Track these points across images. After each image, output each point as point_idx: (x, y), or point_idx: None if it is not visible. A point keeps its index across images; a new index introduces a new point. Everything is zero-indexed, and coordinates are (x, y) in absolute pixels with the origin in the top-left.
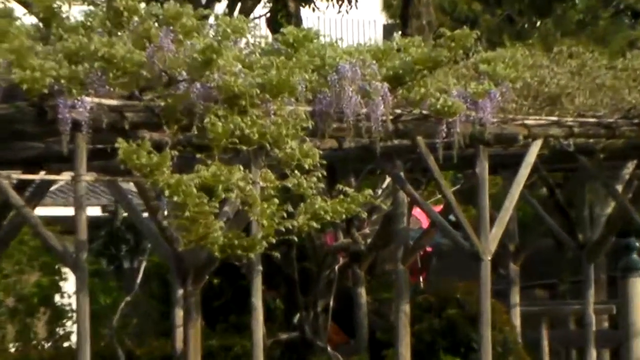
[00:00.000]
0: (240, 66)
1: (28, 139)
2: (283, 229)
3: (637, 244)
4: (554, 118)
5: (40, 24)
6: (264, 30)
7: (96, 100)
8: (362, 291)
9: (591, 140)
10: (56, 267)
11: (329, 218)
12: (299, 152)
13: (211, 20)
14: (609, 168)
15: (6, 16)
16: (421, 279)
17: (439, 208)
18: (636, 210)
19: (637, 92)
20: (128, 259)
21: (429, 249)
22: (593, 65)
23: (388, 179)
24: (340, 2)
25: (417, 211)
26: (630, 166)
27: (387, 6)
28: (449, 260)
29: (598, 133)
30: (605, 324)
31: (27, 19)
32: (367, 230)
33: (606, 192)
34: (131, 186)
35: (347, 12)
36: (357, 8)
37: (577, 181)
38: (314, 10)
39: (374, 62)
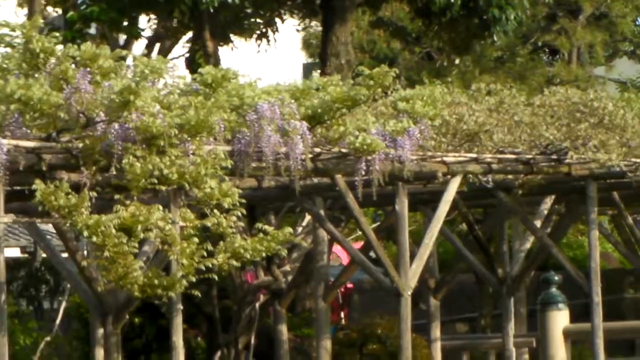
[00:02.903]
0: (158, 107)
1: None
2: (203, 268)
3: (556, 278)
4: (473, 155)
5: None
6: (182, 70)
7: (13, 142)
8: (283, 328)
9: (510, 177)
10: None
11: (248, 256)
12: (218, 191)
13: (129, 61)
14: (527, 203)
15: None
16: (343, 315)
17: (359, 245)
18: (555, 244)
19: (555, 128)
20: (48, 299)
21: (350, 285)
22: (511, 102)
23: (308, 217)
24: (259, 42)
25: (337, 248)
26: (549, 201)
27: (306, 45)
28: (370, 296)
29: (516, 169)
30: (526, 357)
31: None
32: (287, 268)
33: (525, 228)
34: (50, 227)
35: (265, 51)
36: (275, 47)
37: (496, 217)
38: (232, 49)
39: (293, 101)
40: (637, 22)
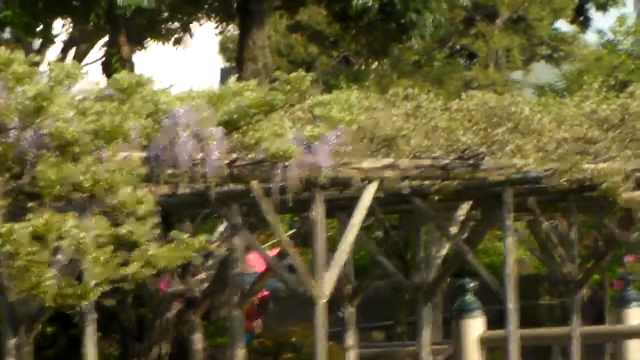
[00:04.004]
0: (73, 112)
1: None
2: (117, 276)
3: (472, 285)
4: (389, 160)
5: None
6: (99, 75)
7: None
8: (198, 337)
9: (426, 182)
10: None
11: (163, 264)
12: (132, 198)
13: (44, 66)
14: (443, 209)
15: None
16: (258, 323)
17: (275, 252)
18: (471, 251)
19: (472, 133)
20: None
21: (266, 292)
22: (428, 107)
23: (224, 224)
24: (175, 46)
25: (253, 255)
26: (465, 207)
27: (223, 49)
28: (286, 304)
29: (433, 174)
30: None
31: None
32: (202, 276)
33: (441, 234)
34: None
35: (182, 55)
36: (192, 52)
37: (412, 223)
38: (147, 54)
39: (209, 106)
40: (554, 26)
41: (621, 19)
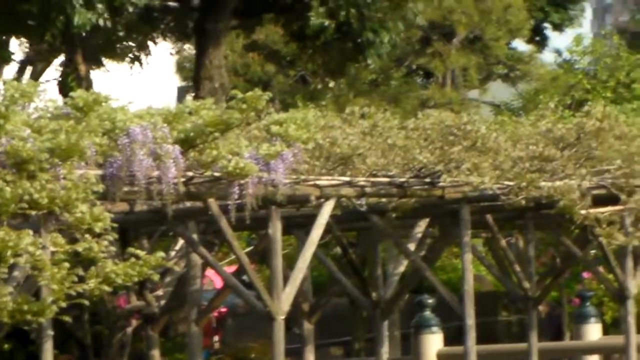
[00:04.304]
0: (28, 131)
1: None
2: (74, 293)
3: (430, 301)
4: (346, 178)
5: None
6: (55, 94)
7: None
8: (156, 353)
9: (383, 200)
10: None
11: (120, 281)
12: (89, 216)
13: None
14: (401, 227)
15: None
16: (216, 339)
17: (233, 268)
18: (429, 268)
19: (429, 151)
20: None
21: (224, 309)
22: (385, 125)
23: (181, 241)
24: (132, 65)
25: (211, 272)
26: (422, 225)
27: (180, 68)
28: (245, 321)
29: (390, 192)
30: None
31: None
32: (160, 292)
33: (399, 251)
34: None
35: (139, 74)
36: (149, 71)
37: (370, 240)
38: (104, 73)
39: (165, 125)
40: (510, 46)
41: (578, 39)
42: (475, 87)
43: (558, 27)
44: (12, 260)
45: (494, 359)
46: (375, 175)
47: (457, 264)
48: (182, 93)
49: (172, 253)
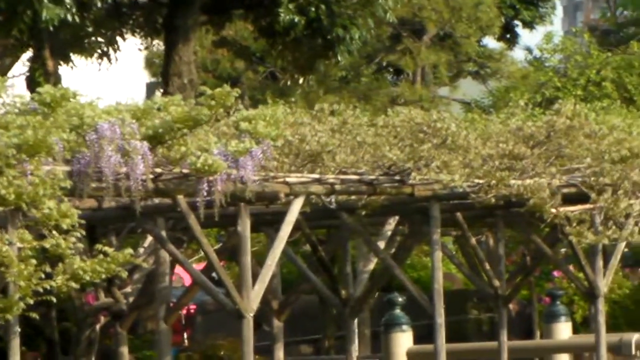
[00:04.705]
0: None
1: None
2: (41, 290)
3: (400, 299)
4: (316, 175)
5: None
6: (23, 89)
7: None
8: (124, 350)
9: (353, 197)
10: None
11: (88, 278)
12: (57, 212)
13: None
14: (371, 224)
15: None
16: (185, 336)
17: (202, 265)
18: (398, 266)
19: (398, 149)
20: None
21: (193, 306)
22: (354, 123)
23: (150, 238)
24: (100, 60)
25: (180, 269)
26: (392, 222)
27: (149, 64)
28: (214, 318)
29: (359, 190)
30: None
31: None
32: (129, 289)
33: (368, 249)
34: None
35: (107, 69)
36: (117, 66)
37: (339, 238)
38: (72, 68)
39: (134, 121)
40: (481, 43)
41: (548, 37)
42: (446, 85)
43: (529, 25)
44: None
45: (464, 357)
46: (344, 173)
47: (427, 262)
48: (150, 89)
49: (141, 250)
